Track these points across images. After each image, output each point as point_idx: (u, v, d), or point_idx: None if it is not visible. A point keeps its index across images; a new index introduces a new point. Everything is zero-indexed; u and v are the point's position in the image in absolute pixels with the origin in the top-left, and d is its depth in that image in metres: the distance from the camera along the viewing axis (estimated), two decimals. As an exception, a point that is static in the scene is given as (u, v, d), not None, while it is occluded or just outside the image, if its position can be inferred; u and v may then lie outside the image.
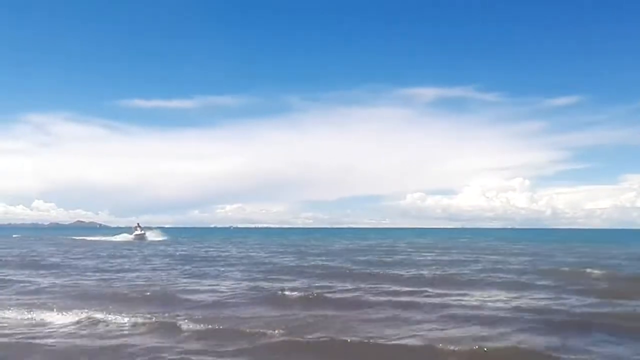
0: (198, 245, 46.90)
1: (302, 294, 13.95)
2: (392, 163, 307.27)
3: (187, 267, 23.23)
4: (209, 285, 16.45)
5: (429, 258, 30.12)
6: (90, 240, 59.00)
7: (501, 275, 19.75)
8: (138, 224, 63.18)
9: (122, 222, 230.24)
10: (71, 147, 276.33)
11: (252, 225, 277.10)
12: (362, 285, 16.39)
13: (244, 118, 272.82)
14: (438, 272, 20.93)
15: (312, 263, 25.84)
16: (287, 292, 14.14)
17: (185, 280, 18.00)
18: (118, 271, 21.65)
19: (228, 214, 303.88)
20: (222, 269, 22.67)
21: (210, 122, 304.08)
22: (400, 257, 31.44)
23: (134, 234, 59.97)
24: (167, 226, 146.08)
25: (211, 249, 40.34)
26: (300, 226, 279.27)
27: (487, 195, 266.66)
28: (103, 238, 61.48)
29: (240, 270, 21.63)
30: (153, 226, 74.47)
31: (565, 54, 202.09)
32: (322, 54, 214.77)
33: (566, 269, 22.03)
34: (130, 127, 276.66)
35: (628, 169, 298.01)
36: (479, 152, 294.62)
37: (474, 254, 34.29)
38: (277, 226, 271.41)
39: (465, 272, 21.10)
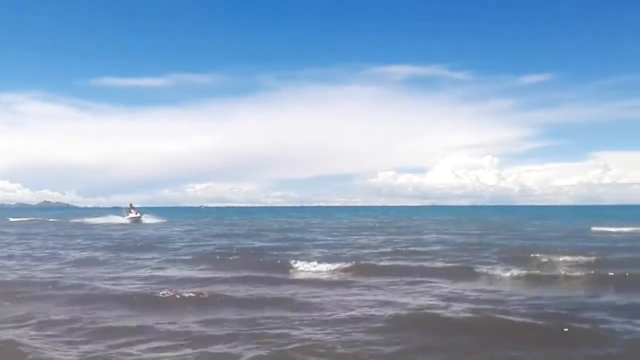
0: (179, 228, 42.40)
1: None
2: (364, 141, 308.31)
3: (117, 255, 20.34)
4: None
5: (351, 240, 29.23)
6: (75, 223, 51.27)
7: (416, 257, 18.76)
8: (131, 204, 54.84)
9: (89, 202, 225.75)
10: (39, 127, 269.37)
11: (223, 205, 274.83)
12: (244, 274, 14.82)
13: (216, 96, 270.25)
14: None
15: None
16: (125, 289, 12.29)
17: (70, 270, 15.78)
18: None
19: (198, 193, 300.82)
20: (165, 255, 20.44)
21: (181, 100, 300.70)
22: (327, 238, 30.57)
23: (129, 216, 52.16)
24: (136, 206, 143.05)
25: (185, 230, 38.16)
26: (271, 205, 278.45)
27: (456, 173, 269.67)
28: (88, 220, 53.39)
29: (174, 256, 19.70)
30: (122, 206, 67.37)
31: (535, 32, 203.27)
32: (296, 32, 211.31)
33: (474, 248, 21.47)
34: (100, 105, 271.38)
35: (596, 147, 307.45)
36: (449, 130, 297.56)
37: (401, 234, 33.39)
38: (248, 205, 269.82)
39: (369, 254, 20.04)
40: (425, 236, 30.64)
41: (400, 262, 17.34)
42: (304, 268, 15.81)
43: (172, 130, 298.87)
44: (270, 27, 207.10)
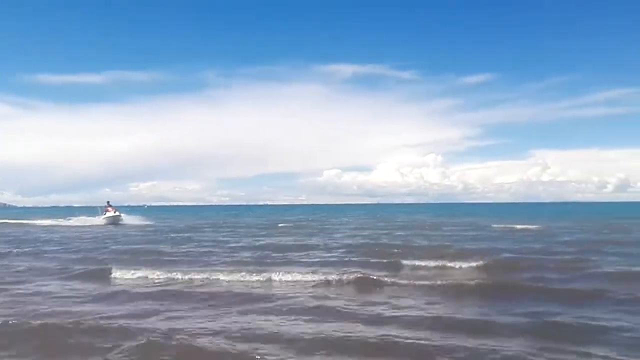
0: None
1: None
2: (309, 140, 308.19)
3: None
4: None
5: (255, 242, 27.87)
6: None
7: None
8: (108, 202, 48.50)
9: (28, 202, 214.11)
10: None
11: (167, 204, 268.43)
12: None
13: (157, 94, 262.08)
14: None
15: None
16: None
17: None
18: None
19: (142, 192, 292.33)
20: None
21: (121, 98, 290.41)
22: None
23: (105, 216, 45.91)
24: (76, 205, 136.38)
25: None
26: (216, 204, 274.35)
27: (401, 171, 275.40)
28: (50, 222, 47.78)
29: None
30: (62, 205, 59.28)
31: (477, 32, 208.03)
32: (239, 30, 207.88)
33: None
34: (37, 102, 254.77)
35: (535, 145, 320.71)
36: (394, 129, 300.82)
37: (308, 236, 32.19)
38: (193, 204, 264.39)
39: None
40: (316, 238, 29.08)
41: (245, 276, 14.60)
42: (129, 277, 14.29)
43: (113, 128, 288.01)
44: (213, 24, 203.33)
